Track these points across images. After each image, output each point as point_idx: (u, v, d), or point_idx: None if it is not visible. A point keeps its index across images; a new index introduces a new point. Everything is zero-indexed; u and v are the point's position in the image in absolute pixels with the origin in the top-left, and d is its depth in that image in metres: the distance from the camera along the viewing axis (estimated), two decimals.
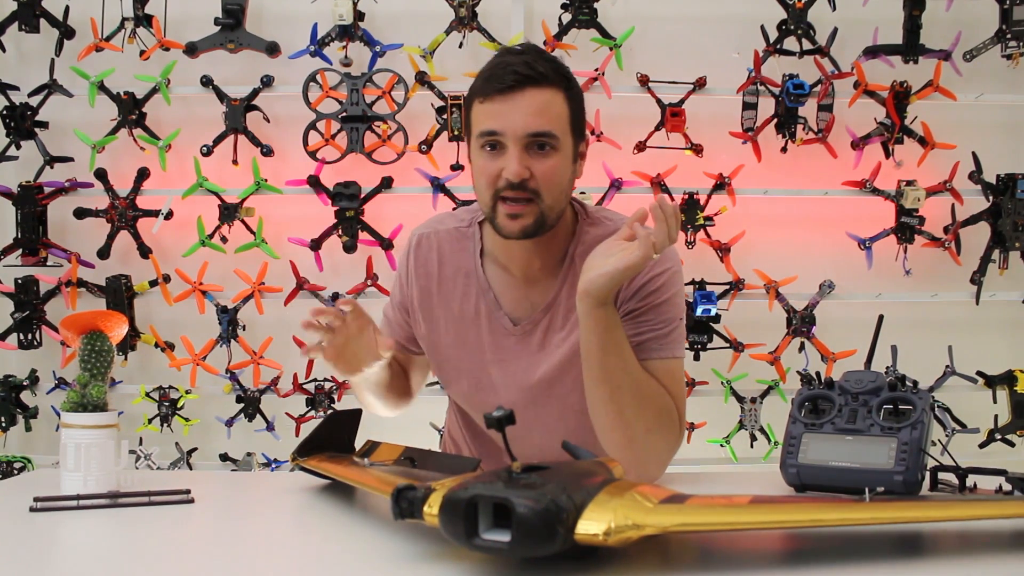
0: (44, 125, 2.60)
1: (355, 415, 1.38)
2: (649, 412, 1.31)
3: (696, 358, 2.55)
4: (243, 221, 2.54)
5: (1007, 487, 1.08)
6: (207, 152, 2.55)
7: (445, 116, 2.52)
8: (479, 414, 1.48)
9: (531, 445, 1.41)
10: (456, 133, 2.50)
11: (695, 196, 2.53)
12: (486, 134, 1.31)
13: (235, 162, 2.57)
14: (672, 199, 2.53)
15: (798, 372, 2.47)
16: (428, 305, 1.47)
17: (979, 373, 2.58)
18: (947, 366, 2.56)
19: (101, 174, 2.54)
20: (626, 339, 1.30)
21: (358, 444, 1.35)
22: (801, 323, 2.55)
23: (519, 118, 1.29)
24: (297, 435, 2.56)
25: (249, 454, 2.58)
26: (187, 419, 2.59)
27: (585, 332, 1.28)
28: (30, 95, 2.56)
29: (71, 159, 2.60)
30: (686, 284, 2.49)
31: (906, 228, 2.56)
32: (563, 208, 1.37)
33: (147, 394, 2.57)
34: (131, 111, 2.54)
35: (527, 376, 1.43)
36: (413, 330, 1.51)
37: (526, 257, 1.40)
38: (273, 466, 2.58)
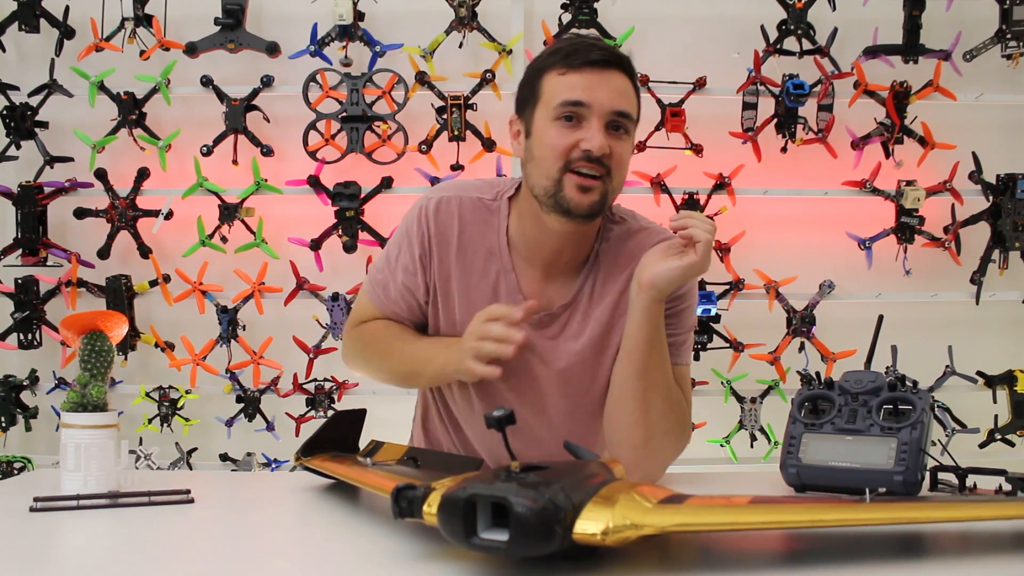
0: (44, 125, 2.60)
1: (359, 415, 1.37)
2: (671, 415, 1.32)
3: (696, 358, 2.55)
4: (243, 221, 2.54)
5: (1007, 487, 1.08)
6: (207, 152, 2.55)
7: (445, 116, 2.52)
8: (482, 399, 1.41)
9: (532, 438, 1.40)
10: (456, 133, 2.50)
11: (695, 196, 2.53)
12: (570, 103, 1.27)
13: (235, 162, 2.57)
14: (672, 199, 2.53)
15: (798, 372, 2.48)
16: (445, 276, 1.38)
17: (979, 373, 2.58)
18: (947, 366, 2.56)
19: (101, 174, 2.54)
20: (666, 341, 1.30)
21: (362, 444, 1.35)
22: (801, 323, 2.55)
23: (607, 94, 1.27)
24: (297, 435, 2.57)
25: (249, 454, 2.58)
26: (187, 419, 2.59)
27: (637, 325, 1.27)
28: (30, 95, 2.56)
29: (71, 159, 2.60)
30: None
31: (906, 228, 2.56)
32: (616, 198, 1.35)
33: (147, 394, 2.57)
34: (131, 111, 2.54)
35: (541, 366, 1.38)
36: (417, 296, 1.41)
37: (558, 247, 1.35)
38: (273, 466, 2.58)
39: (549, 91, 1.29)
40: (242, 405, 2.58)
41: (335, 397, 2.57)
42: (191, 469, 2.57)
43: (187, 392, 2.58)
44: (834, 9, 2.53)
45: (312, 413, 2.57)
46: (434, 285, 1.39)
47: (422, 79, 2.53)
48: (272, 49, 2.54)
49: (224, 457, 2.60)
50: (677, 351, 1.37)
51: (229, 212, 2.53)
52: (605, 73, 1.27)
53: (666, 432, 1.31)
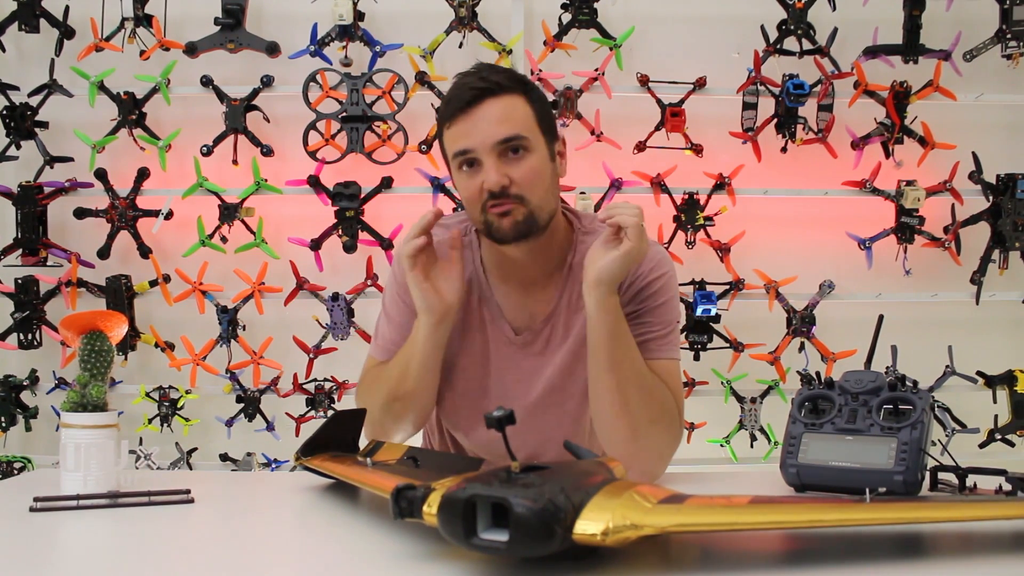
0: (44, 125, 2.60)
1: (359, 415, 1.37)
2: (653, 403, 1.33)
3: (696, 358, 2.55)
4: (243, 221, 2.54)
5: (1007, 487, 1.08)
6: (207, 152, 2.55)
7: None
8: (472, 429, 1.48)
9: (527, 448, 1.42)
10: None
11: (695, 196, 2.53)
12: (459, 154, 1.32)
13: (235, 162, 2.57)
14: (672, 199, 2.53)
15: (798, 372, 2.48)
16: None
17: (979, 373, 2.58)
18: (947, 366, 2.56)
19: (101, 174, 2.54)
20: (629, 330, 1.32)
21: (362, 444, 1.35)
22: (801, 323, 2.55)
23: (484, 128, 1.30)
24: (297, 435, 2.57)
25: (249, 454, 2.58)
26: (187, 419, 2.59)
27: (595, 323, 1.29)
28: (30, 95, 2.56)
29: (71, 159, 2.60)
30: (686, 284, 2.50)
31: (906, 228, 2.56)
32: (554, 207, 1.37)
33: (147, 394, 2.57)
34: (131, 111, 2.54)
35: (528, 386, 1.43)
36: None
37: (524, 264, 1.40)
38: (273, 466, 2.58)
39: (447, 146, 1.36)
40: (242, 405, 2.58)
41: (335, 397, 2.57)
42: (191, 469, 2.57)
43: (187, 392, 2.58)
44: (834, 9, 2.53)
45: (312, 413, 2.57)
46: None
47: (422, 79, 2.52)
48: (272, 49, 2.54)
49: (224, 457, 2.60)
50: (658, 346, 1.38)
51: (229, 212, 2.53)
52: (479, 108, 1.31)
53: (652, 421, 1.32)
